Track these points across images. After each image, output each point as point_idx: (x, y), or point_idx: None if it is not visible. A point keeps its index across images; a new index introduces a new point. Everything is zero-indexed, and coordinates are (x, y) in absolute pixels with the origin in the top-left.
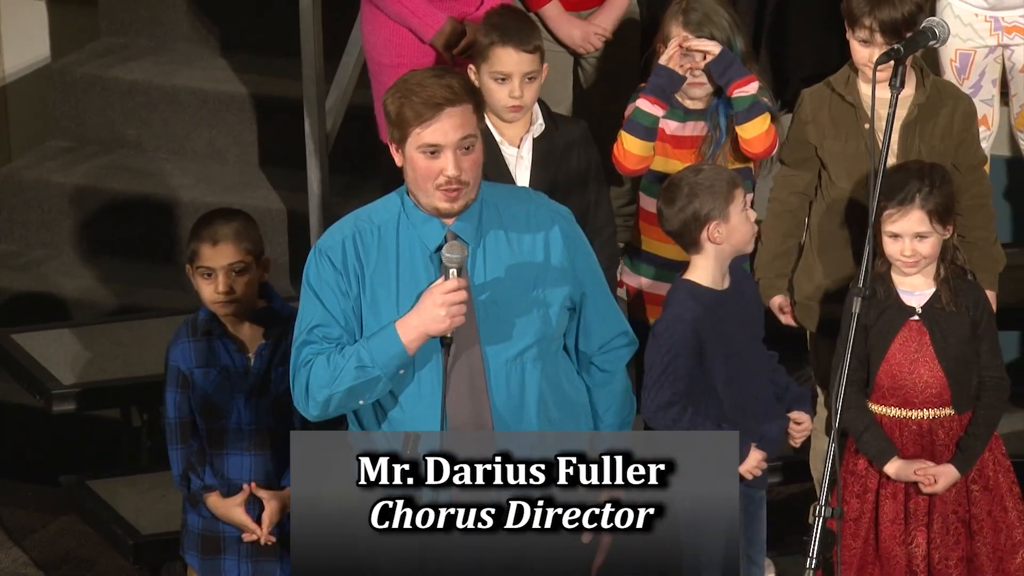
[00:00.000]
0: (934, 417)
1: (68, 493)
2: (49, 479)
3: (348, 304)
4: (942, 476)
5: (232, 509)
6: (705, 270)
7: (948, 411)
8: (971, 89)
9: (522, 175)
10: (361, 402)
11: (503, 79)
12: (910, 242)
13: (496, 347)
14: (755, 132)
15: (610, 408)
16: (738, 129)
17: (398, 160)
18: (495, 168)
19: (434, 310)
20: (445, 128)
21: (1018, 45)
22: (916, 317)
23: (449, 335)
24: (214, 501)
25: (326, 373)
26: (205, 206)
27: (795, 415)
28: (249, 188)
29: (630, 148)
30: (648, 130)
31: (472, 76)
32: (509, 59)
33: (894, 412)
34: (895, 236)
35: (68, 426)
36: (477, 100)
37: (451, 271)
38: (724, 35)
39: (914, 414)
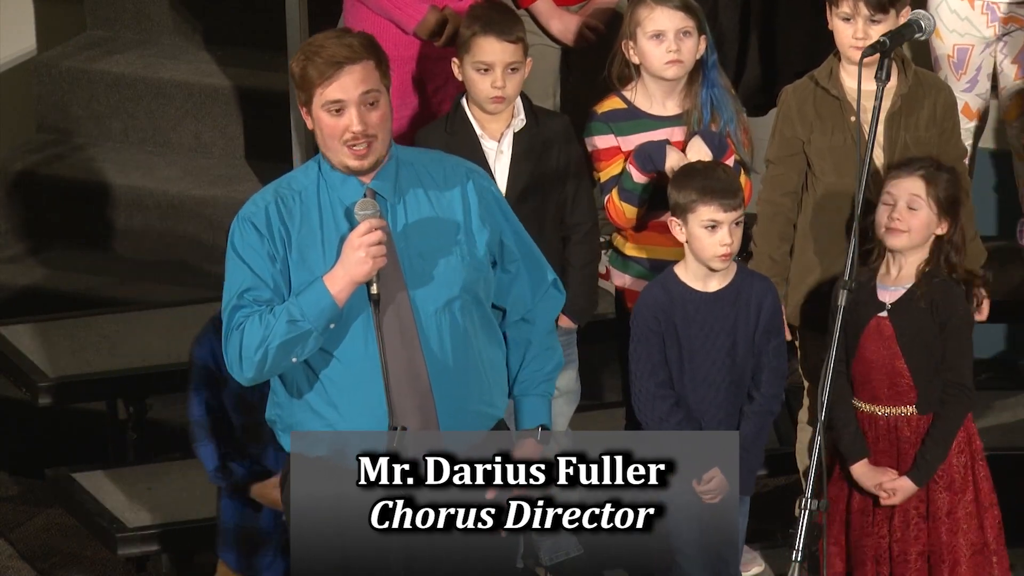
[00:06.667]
0: (899, 415)
1: (54, 486)
2: (35, 472)
3: (275, 268)
4: (900, 490)
5: (272, 490)
6: (686, 265)
7: (911, 410)
8: (967, 84)
9: (501, 169)
10: (294, 359)
11: (485, 69)
12: (902, 206)
13: (425, 297)
14: None
15: (536, 357)
16: None
17: (309, 124)
18: (474, 161)
19: (354, 255)
20: (346, 84)
21: (1013, 34)
22: (884, 313)
23: (376, 290)
24: (257, 487)
25: (259, 332)
26: (191, 199)
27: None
28: (235, 181)
29: (629, 215)
30: (642, 197)
31: (456, 70)
32: (491, 48)
33: (865, 407)
34: (889, 200)
35: (54, 419)
36: (379, 57)
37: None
38: (698, 13)
39: (880, 410)
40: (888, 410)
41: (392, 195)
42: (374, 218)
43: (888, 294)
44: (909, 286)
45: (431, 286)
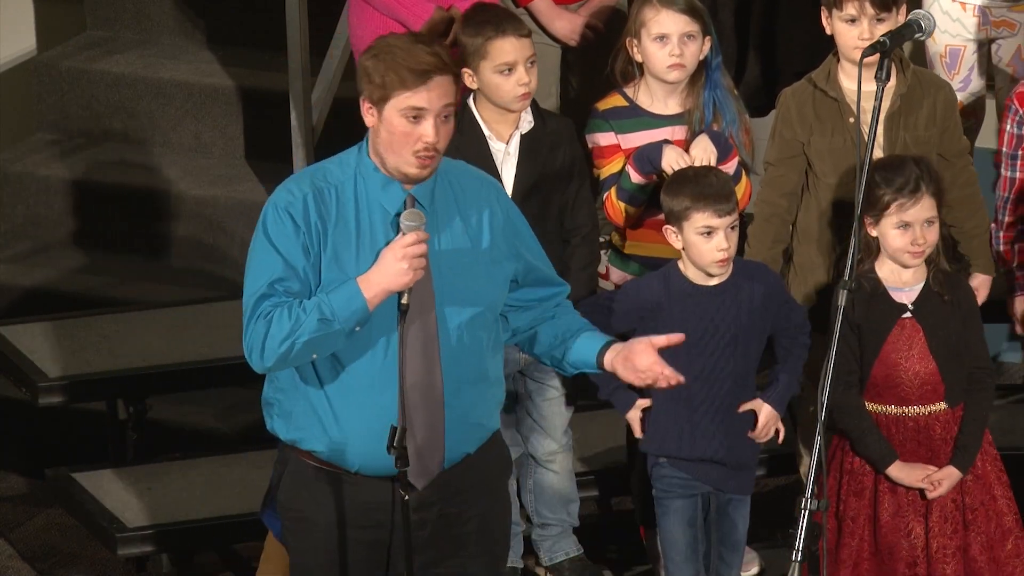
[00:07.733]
0: (929, 412)
1: (54, 486)
2: (35, 472)
3: (308, 261)
4: (945, 480)
5: None
6: (685, 262)
7: (942, 405)
8: (961, 83)
9: (508, 170)
10: (315, 356)
11: (509, 70)
12: (921, 229)
13: (452, 312)
14: (738, 195)
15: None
16: None
17: (370, 120)
18: (481, 162)
19: (396, 264)
20: (432, 95)
21: (1005, 38)
22: (908, 314)
23: (407, 300)
24: None
25: (288, 324)
26: (191, 199)
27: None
28: (235, 181)
29: (627, 214)
30: (640, 197)
31: (469, 80)
32: (511, 48)
33: (891, 410)
34: (906, 226)
35: (54, 419)
36: (457, 72)
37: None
38: (704, 15)
39: (910, 411)
40: (918, 409)
41: (429, 204)
42: (420, 230)
43: (904, 295)
44: (921, 284)
45: (459, 301)
